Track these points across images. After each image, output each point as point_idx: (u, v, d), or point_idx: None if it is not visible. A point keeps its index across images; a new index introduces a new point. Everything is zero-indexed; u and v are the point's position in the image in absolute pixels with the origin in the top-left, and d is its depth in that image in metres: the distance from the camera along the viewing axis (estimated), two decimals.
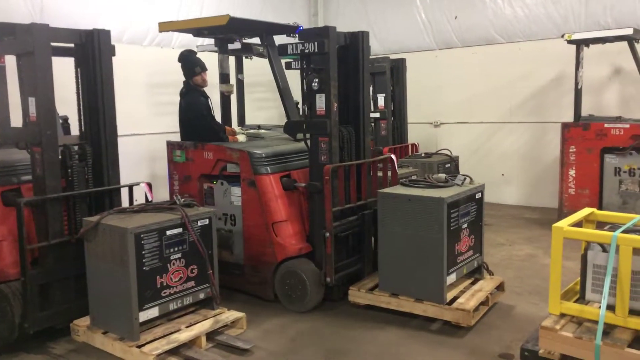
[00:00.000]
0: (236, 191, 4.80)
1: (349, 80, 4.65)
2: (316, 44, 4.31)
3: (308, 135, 4.53)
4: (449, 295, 4.14)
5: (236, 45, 5.94)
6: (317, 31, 4.41)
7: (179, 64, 5.25)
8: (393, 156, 4.97)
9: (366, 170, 4.74)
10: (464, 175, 4.51)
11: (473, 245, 4.44)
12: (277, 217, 4.55)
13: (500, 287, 4.60)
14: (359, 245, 4.76)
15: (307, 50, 4.37)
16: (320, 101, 4.37)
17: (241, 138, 5.27)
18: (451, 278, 4.16)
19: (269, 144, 5.04)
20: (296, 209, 4.67)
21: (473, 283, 4.49)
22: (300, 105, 4.90)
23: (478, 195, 4.46)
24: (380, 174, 4.96)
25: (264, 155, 4.63)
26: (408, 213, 4.11)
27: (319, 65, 4.38)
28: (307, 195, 4.63)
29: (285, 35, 5.29)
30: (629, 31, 6.38)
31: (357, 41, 4.61)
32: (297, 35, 4.87)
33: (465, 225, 4.27)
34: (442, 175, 4.50)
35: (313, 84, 4.38)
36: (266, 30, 5.21)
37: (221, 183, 4.90)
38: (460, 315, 4.00)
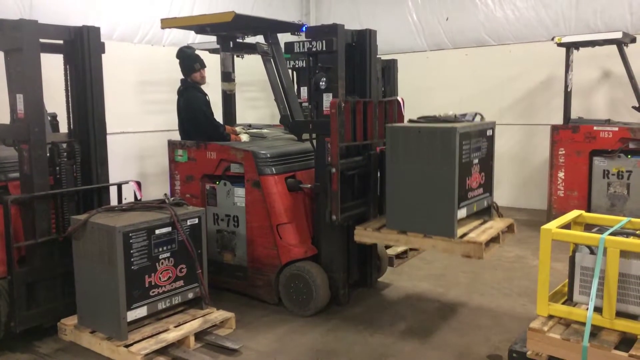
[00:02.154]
0: (239, 192, 4.73)
1: (355, 79, 4.59)
2: (324, 42, 4.25)
3: (314, 135, 4.47)
4: (459, 232, 3.95)
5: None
6: (326, 29, 4.32)
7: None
8: (400, 98, 4.87)
9: (373, 109, 4.56)
10: (475, 112, 4.35)
11: (483, 183, 4.27)
12: (281, 219, 4.50)
13: (510, 229, 4.39)
14: (365, 188, 4.65)
15: (314, 49, 4.30)
16: (328, 101, 4.29)
17: (244, 137, 5.20)
18: (462, 213, 3.98)
19: (273, 144, 4.99)
20: (301, 210, 4.62)
21: (482, 224, 4.29)
22: None
23: (489, 133, 4.32)
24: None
25: (269, 155, 4.58)
26: (418, 146, 3.95)
27: (326, 64, 4.30)
28: (312, 196, 4.60)
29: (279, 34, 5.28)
30: (619, 35, 6.44)
31: (364, 39, 4.55)
32: (301, 33, 4.82)
33: (476, 161, 4.11)
34: (451, 113, 4.35)
35: (321, 83, 4.30)
36: (271, 27, 5.16)
37: (224, 183, 4.84)
38: (471, 248, 3.79)
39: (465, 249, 3.84)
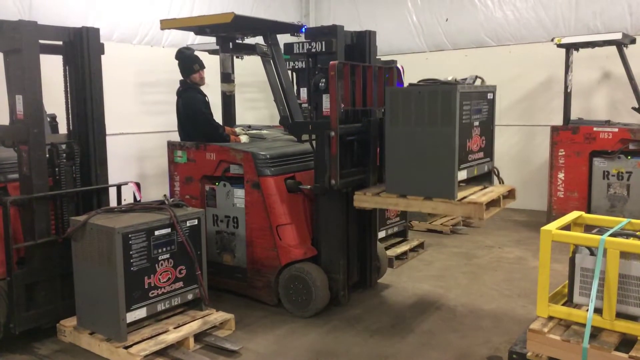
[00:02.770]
0: (239, 193, 4.72)
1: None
2: (324, 43, 4.25)
3: (314, 136, 4.45)
4: (459, 196, 3.90)
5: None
6: (325, 30, 4.33)
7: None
8: (400, 66, 4.82)
9: (372, 75, 4.51)
10: (475, 75, 4.34)
11: (484, 147, 4.23)
12: (281, 220, 4.49)
13: (511, 194, 4.32)
14: (364, 156, 4.61)
15: (314, 50, 4.30)
16: (327, 101, 4.27)
17: (244, 139, 5.19)
18: (462, 175, 3.94)
19: (273, 145, 4.99)
20: (300, 211, 4.62)
21: (483, 189, 4.23)
22: None
23: (490, 96, 4.27)
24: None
25: (268, 156, 4.57)
26: (418, 107, 3.91)
27: (326, 65, 4.27)
28: (311, 197, 4.59)
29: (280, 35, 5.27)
30: (618, 36, 6.43)
31: (363, 41, 4.55)
32: (300, 34, 4.81)
33: (476, 123, 4.07)
34: (451, 78, 4.30)
35: (320, 84, 4.29)
36: (270, 28, 5.15)
37: (224, 185, 4.83)
38: (472, 209, 3.74)
39: (466, 210, 3.80)
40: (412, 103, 3.94)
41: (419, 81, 4.26)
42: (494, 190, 4.15)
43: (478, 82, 4.30)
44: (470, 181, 4.15)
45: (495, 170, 4.41)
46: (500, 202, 4.06)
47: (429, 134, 3.88)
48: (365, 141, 4.56)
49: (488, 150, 4.30)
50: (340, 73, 4.14)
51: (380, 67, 4.61)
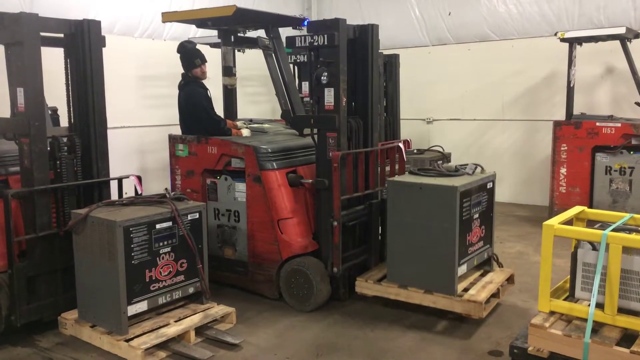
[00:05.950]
0: (240, 187, 4.72)
1: (357, 74, 4.58)
2: (326, 36, 4.24)
3: (315, 130, 4.46)
4: (460, 287, 4.04)
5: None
6: (328, 23, 4.31)
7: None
8: (401, 145, 4.89)
9: (374, 158, 4.62)
10: (475, 164, 4.40)
11: (484, 235, 4.34)
12: (282, 214, 4.48)
13: (510, 280, 4.50)
14: (366, 235, 4.67)
15: (316, 43, 4.29)
16: (329, 95, 4.28)
17: (245, 132, 5.19)
18: (462, 269, 4.05)
19: (274, 138, 4.97)
20: (302, 205, 4.61)
21: (483, 275, 4.40)
22: None
23: (489, 185, 4.35)
24: (388, 173, 4.84)
25: (270, 150, 4.56)
26: (419, 202, 4.00)
27: (328, 59, 4.29)
28: (313, 191, 4.59)
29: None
30: (622, 30, 6.40)
31: (366, 34, 4.54)
32: (302, 27, 4.81)
33: (476, 216, 4.17)
34: (453, 165, 4.41)
35: (322, 78, 4.28)
36: (272, 22, 5.13)
37: (225, 178, 4.83)
38: (471, 307, 3.90)
39: (466, 307, 3.93)
40: (414, 197, 4.04)
41: (419, 169, 4.36)
42: (493, 280, 4.29)
43: (478, 171, 4.36)
44: None
45: (495, 256, 4.57)
46: (500, 293, 4.22)
47: (430, 228, 3.97)
48: (368, 223, 4.63)
49: (487, 237, 4.42)
50: (343, 162, 4.21)
51: (382, 149, 4.69)
